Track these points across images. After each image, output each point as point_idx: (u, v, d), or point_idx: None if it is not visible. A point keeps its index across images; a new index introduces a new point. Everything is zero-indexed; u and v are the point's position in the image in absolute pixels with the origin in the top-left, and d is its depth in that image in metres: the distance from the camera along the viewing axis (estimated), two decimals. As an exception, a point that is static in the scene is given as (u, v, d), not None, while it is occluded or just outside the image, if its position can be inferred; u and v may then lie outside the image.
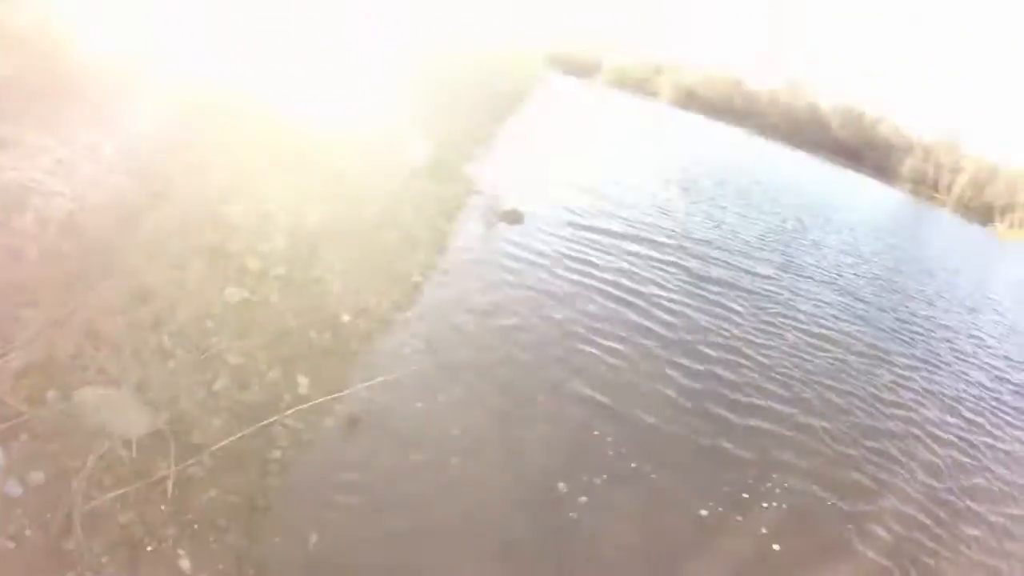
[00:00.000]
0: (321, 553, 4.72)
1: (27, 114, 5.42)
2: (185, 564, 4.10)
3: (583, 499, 5.70)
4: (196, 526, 4.32)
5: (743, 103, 50.25)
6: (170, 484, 4.31)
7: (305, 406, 5.57)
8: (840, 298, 13.76)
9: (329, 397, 5.85)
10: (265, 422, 5.21)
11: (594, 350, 8.27)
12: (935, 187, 45.50)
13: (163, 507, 4.22)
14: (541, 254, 10.82)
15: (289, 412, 5.46)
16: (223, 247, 6.11)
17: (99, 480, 4.01)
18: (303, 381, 5.94)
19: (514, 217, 11.87)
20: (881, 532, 6.49)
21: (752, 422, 7.73)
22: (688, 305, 10.62)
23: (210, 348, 5.35)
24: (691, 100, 49.50)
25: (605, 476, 6.07)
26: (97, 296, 4.72)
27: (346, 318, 7.00)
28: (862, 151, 47.02)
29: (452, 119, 15.60)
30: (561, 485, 5.79)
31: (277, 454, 5.23)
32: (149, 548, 4.01)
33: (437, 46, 20.12)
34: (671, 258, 12.74)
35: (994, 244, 36.90)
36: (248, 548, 4.50)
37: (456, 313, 8.11)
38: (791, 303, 12.32)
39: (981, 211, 43.69)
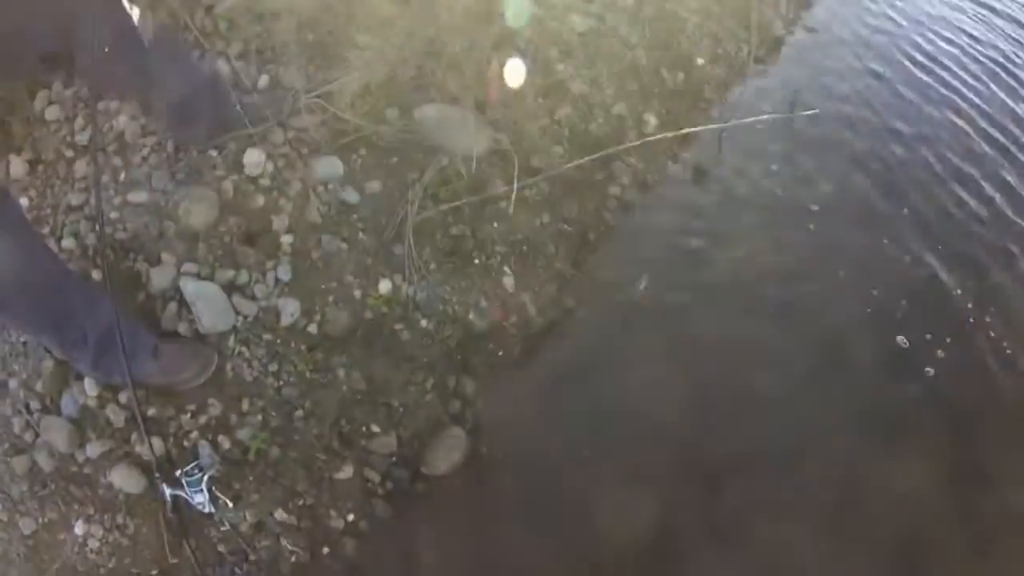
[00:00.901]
0: (649, 298, 4.22)
1: None
2: (508, 281, 3.91)
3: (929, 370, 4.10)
4: (525, 248, 4.07)
5: None
6: (507, 203, 4.06)
7: (651, 139, 4.90)
8: None
9: (677, 133, 5.06)
10: (608, 151, 4.66)
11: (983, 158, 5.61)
12: None
13: (495, 224, 4.01)
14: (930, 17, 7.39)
15: (635, 144, 4.86)
16: (567, -28, 5.38)
17: (434, 193, 3.87)
18: (650, 119, 5.23)
19: None
20: None
21: None
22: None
23: (554, 75, 4.87)
24: None
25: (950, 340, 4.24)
26: (438, 17, 4.42)
27: (700, 61, 5.91)
28: None
29: None
30: (901, 339, 4.21)
31: (616, 191, 4.75)
32: (476, 261, 3.86)
33: None
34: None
35: None
36: (573, 278, 4.21)
37: (822, 74, 6.24)
38: None
39: None
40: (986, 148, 5.64)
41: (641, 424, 3.71)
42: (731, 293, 4.37)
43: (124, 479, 2.91)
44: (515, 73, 4.54)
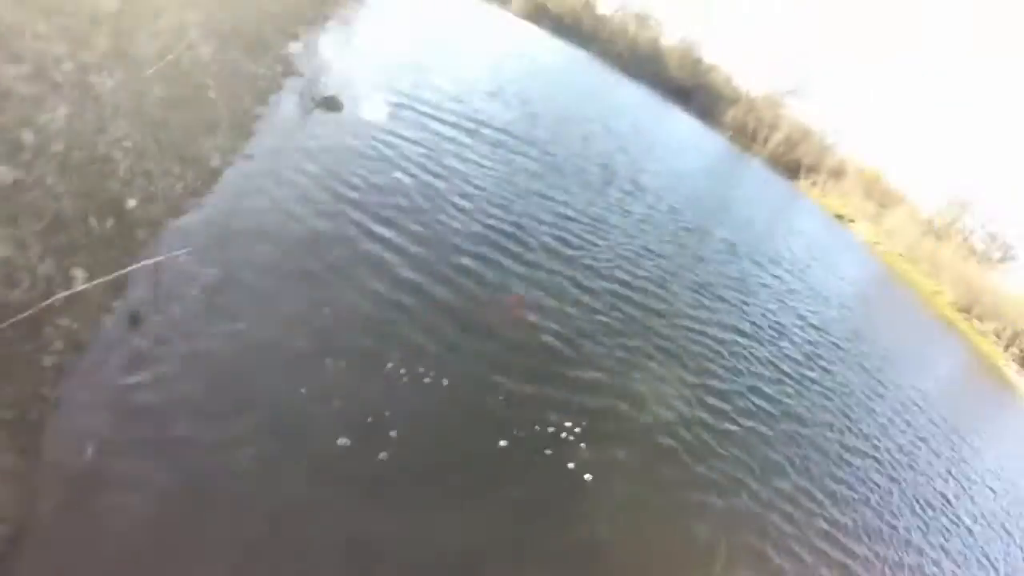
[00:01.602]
0: (99, 461, 4.25)
1: None
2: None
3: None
4: (-38, 453, 3.65)
5: (591, 26, 45.98)
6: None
7: (79, 290, 4.80)
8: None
9: (104, 280, 5.06)
10: (22, 315, 4.39)
11: (381, 245, 7.69)
12: (753, 138, 46.13)
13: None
14: (353, 146, 9.69)
15: (60, 298, 4.69)
16: (-5, 120, 4.81)
17: None
18: (79, 274, 5.04)
19: (332, 104, 10.43)
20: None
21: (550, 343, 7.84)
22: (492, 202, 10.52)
23: (-27, 239, 4.33)
24: (541, 14, 44.30)
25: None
26: None
27: (132, 203, 5.96)
28: (692, 93, 45.99)
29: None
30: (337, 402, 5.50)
31: (51, 360, 4.51)
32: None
33: None
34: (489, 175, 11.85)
35: (796, 198, 38.77)
36: (23, 467, 3.94)
37: (255, 203, 7.07)
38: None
39: (790, 166, 45.51)
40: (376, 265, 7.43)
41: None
42: (176, 443, 4.66)
43: None
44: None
